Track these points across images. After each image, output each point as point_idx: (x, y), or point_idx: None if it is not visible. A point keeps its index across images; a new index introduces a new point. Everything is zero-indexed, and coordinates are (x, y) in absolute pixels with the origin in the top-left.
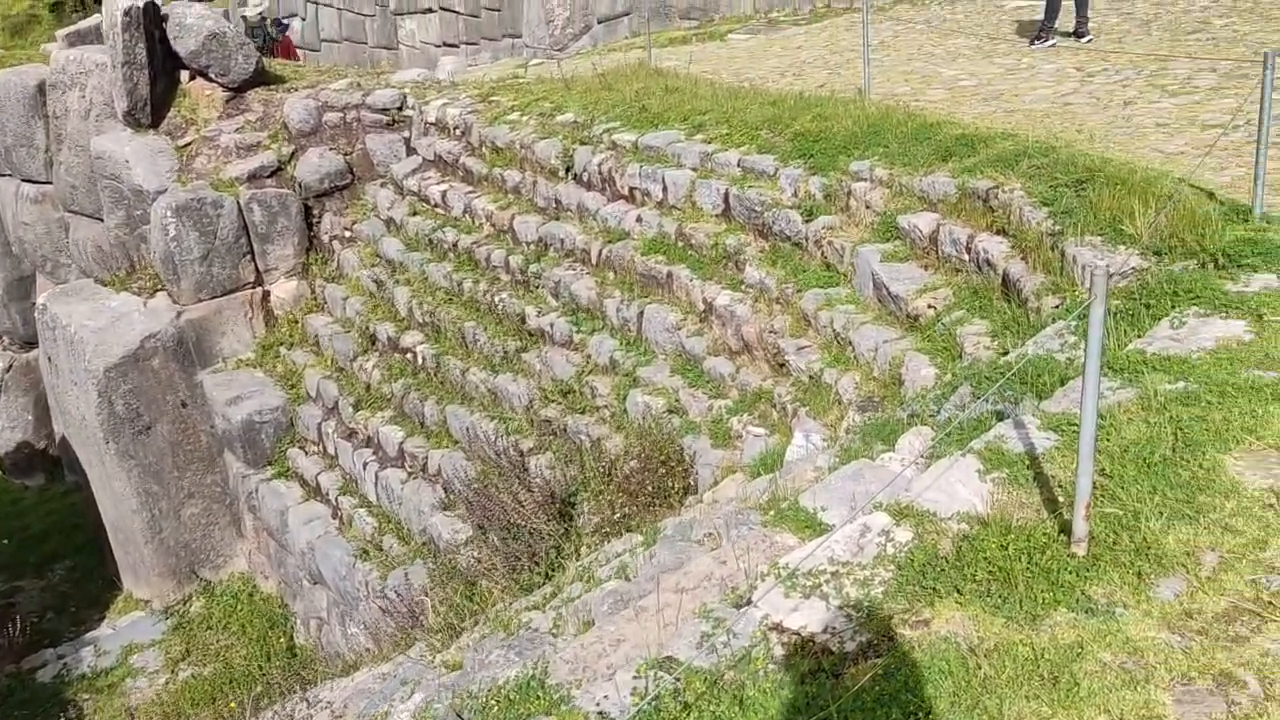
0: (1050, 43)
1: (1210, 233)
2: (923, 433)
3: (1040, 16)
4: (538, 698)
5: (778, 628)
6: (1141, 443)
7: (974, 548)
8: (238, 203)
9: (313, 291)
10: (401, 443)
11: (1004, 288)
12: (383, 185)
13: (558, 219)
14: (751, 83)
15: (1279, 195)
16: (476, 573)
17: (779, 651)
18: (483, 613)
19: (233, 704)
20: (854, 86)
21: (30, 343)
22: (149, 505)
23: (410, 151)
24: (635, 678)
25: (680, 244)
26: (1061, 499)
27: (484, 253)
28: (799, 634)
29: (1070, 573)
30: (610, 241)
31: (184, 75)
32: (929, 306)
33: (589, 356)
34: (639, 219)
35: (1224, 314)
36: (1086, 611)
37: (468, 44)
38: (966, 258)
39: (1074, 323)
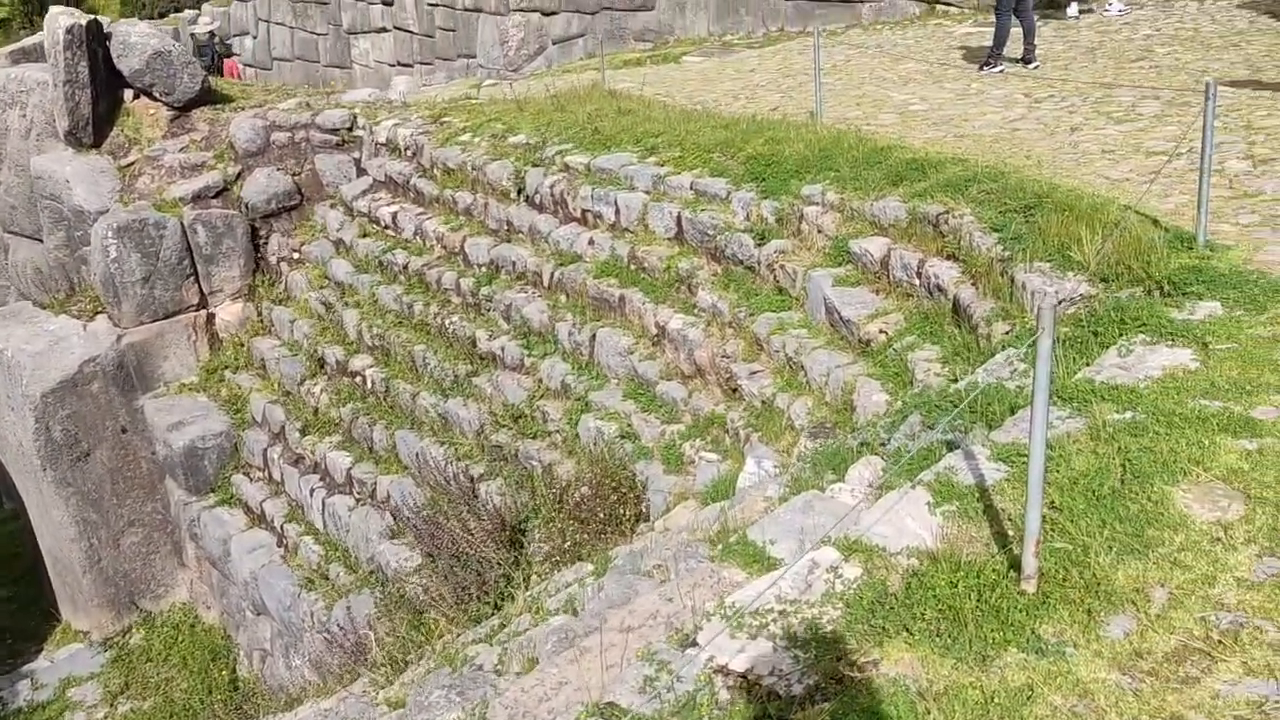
0: (999, 69)
1: (1156, 260)
2: (872, 463)
3: (989, 43)
4: None
5: (723, 670)
6: (1090, 474)
7: (923, 584)
8: (181, 224)
9: (259, 314)
10: (350, 469)
11: (955, 313)
12: (332, 206)
13: (510, 241)
14: (705, 105)
15: (1222, 222)
16: (424, 603)
17: (724, 695)
18: (429, 644)
19: None
20: (806, 110)
21: None
22: (87, 534)
23: (361, 172)
24: None
25: (633, 267)
26: (1011, 532)
27: (435, 275)
28: (745, 677)
29: (1020, 611)
30: (562, 264)
31: (128, 94)
32: (880, 331)
33: (540, 381)
34: (591, 242)
35: (1170, 342)
36: (1037, 652)
37: (422, 64)
38: (917, 283)
39: (1024, 350)
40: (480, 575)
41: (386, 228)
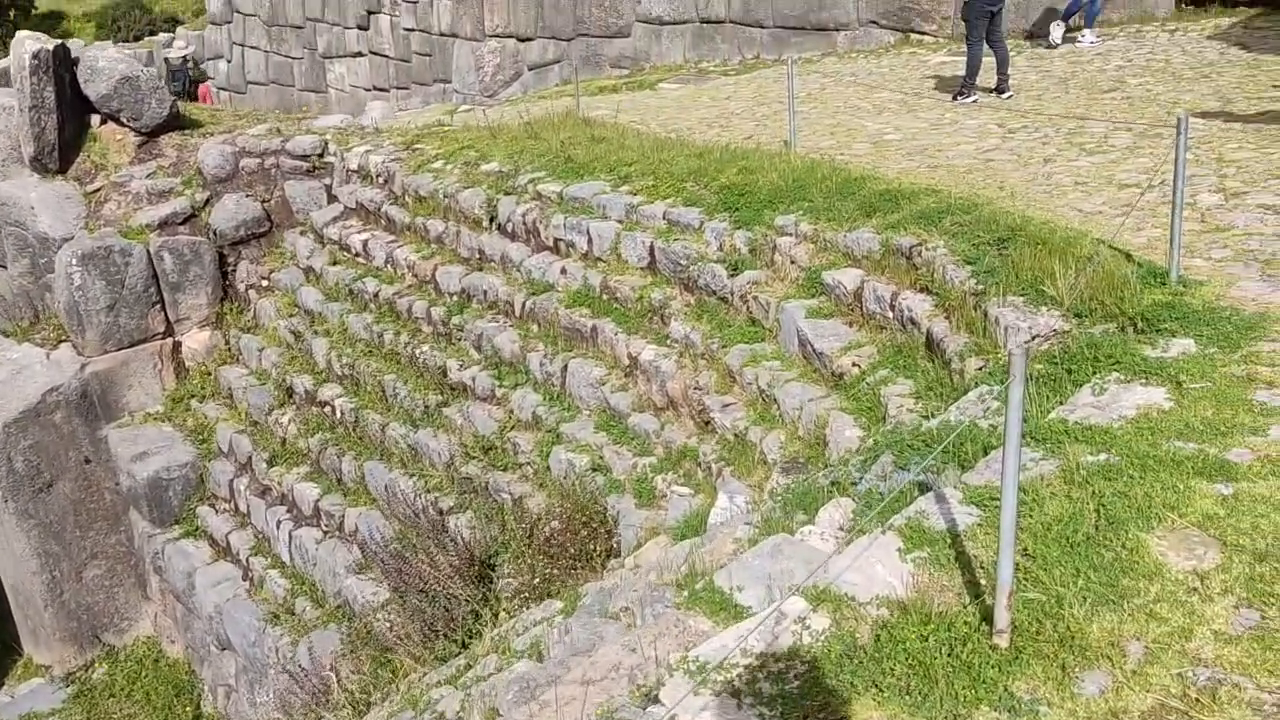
0: (972, 98)
1: (1129, 296)
2: (843, 505)
3: (963, 72)
4: None
5: None
6: (1064, 520)
7: (893, 637)
8: (147, 250)
9: (227, 342)
10: (317, 500)
11: (928, 347)
12: (302, 233)
13: (481, 270)
14: (679, 133)
15: (1195, 257)
16: (391, 639)
17: None
18: (395, 683)
19: None
20: (780, 139)
21: None
22: (49, 566)
23: (331, 199)
24: None
25: (605, 297)
26: (983, 581)
27: (405, 304)
28: None
29: (993, 667)
30: (534, 293)
31: (95, 119)
32: (853, 365)
33: (511, 411)
34: (564, 271)
35: (1144, 380)
36: (1010, 710)
37: (398, 88)
38: (890, 315)
39: (996, 388)
40: (448, 611)
41: (357, 255)
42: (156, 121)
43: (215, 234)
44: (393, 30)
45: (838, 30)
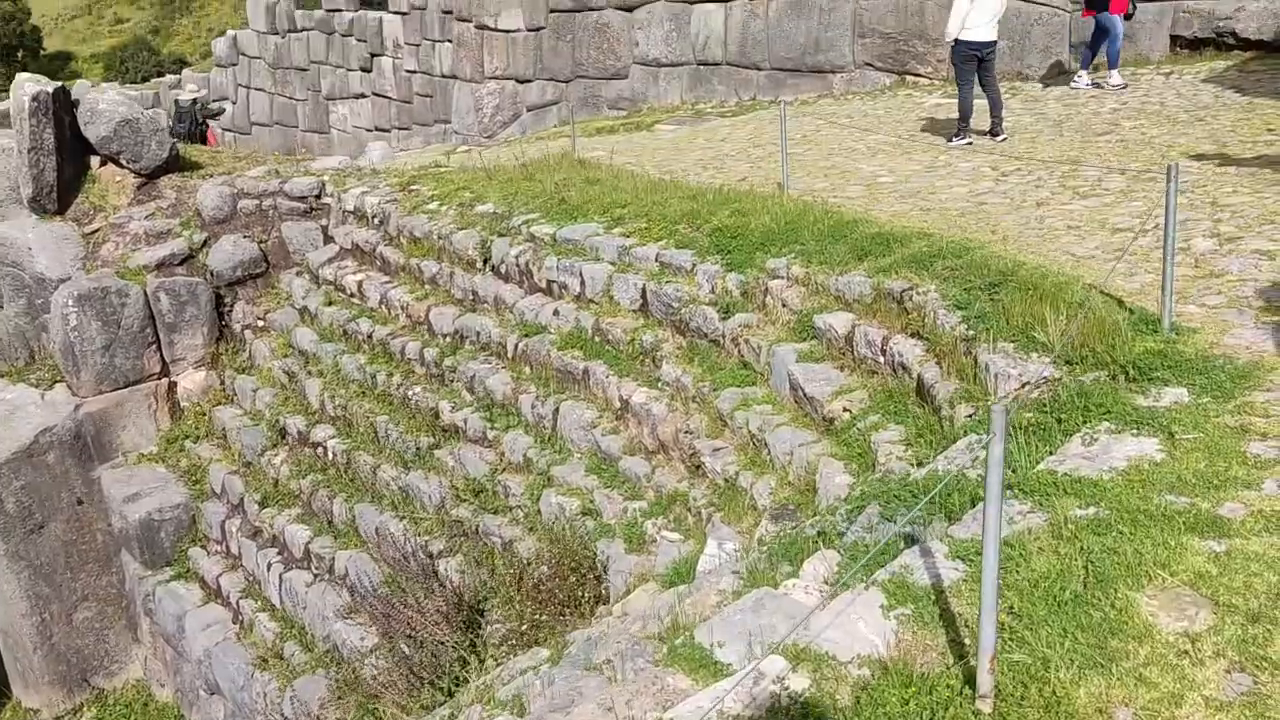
0: (966, 140)
1: (1120, 343)
2: (827, 557)
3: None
4: None
5: None
6: (1052, 577)
7: (873, 699)
8: (144, 291)
9: (222, 383)
10: (308, 543)
11: (919, 393)
12: (298, 274)
13: (474, 311)
14: (674, 175)
15: (1188, 303)
16: (377, 687)
17: None
18: None
19: None
20: (775, 180)
21: None
22: (39, 609)
23: (328, 240)
24: None
25: (597, 339)
26: (968, 640)
27: (399, 345)
28: None
29: None
30: (527, 335)
31: (95, 161)
32: (844, 410)
33: (503, 454)
34: (556, 313)
35: (1135, 431)
36: None
37: (400, 129)
38: (882, 360)
39: (985, 436)
40: (435, 658)
41: (352, 296)
42: (156, 163)
43: (212, 275)
44: (395, 72)
45: (834, 72)
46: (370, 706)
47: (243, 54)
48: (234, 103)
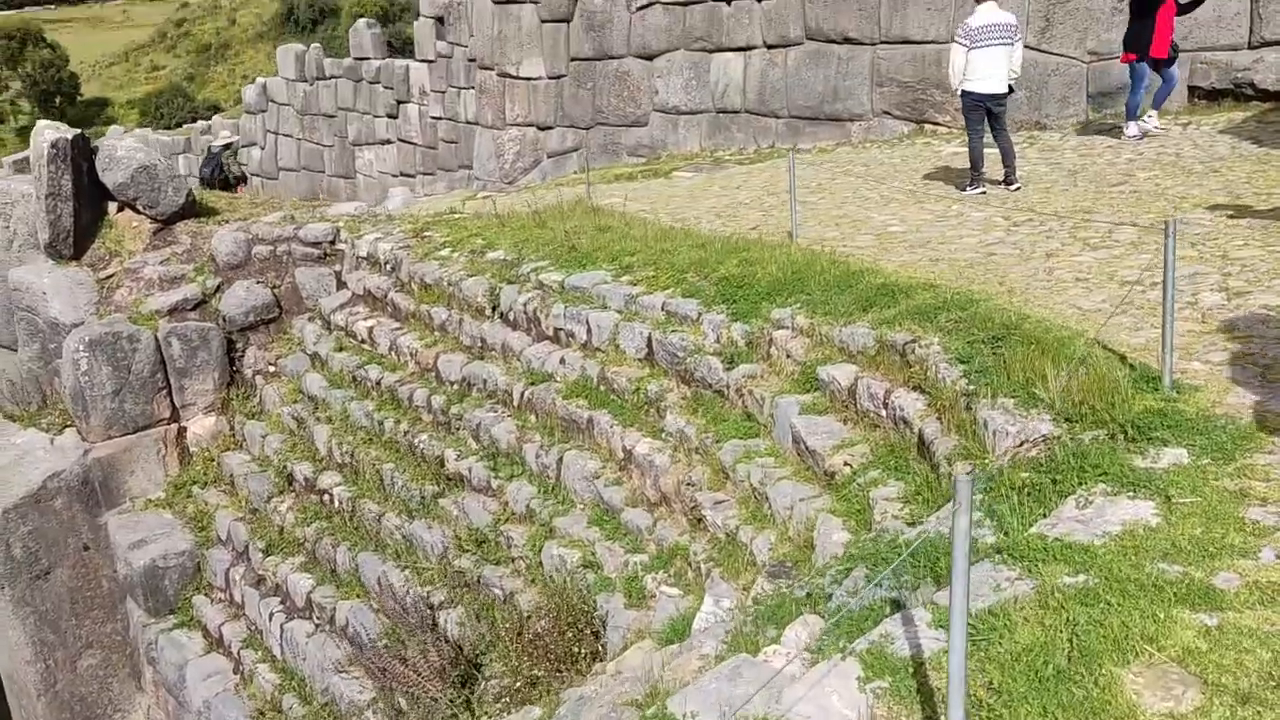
0: (979, 190)
1: (1120, 401)
2: (810, 623)
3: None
4: None
5: None
6: (1035, 650)
7: None
8: (155, 336)
9: (232, 428)
10: (310, 592)
11: (919, 448)
12: (310, 319)
13: (482, 358)
14: (687, 222)
15: (1192, 359)
16: None
17: None
18: None
19: None
20: (786, 229)
21: None
22: (44, 655)
23: (341, 285)
24: None
25: (603, 388)
26: (943, 717)
27: (406, 392)
28: None
29: None
30: (533, 383)
31: (112, 207)
32: (845, 464)
33: (506, 504)
34: (563, 360)
35: (1131, 493)
36: None
37: (424, 174)
38: (884, 413)
39: (980, 497)
40: (429, 715)
41: (363, 342)
42: (172, 209)
43: (225, 320)
44: (420, 118)
45: (852, 120)
46: None
47: (272, 100)
48: (262, 148)
